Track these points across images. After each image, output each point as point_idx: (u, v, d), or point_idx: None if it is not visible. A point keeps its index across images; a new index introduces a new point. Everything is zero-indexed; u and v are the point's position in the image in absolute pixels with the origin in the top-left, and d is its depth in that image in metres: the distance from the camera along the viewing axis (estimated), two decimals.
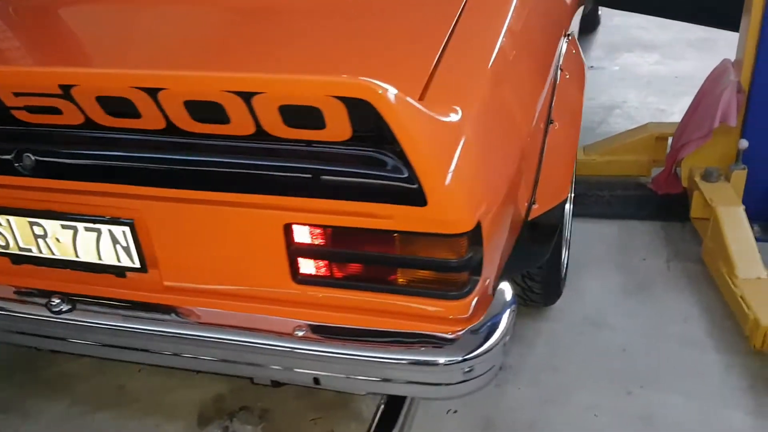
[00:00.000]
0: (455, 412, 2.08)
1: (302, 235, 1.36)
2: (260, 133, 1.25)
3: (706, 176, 2.59)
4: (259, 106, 1.21)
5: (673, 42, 4.59)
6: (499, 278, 1.72)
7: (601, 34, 4.90)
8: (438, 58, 1.47)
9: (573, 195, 2.62)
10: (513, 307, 1.45)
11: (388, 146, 1.20)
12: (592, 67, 4.41)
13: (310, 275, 1.41)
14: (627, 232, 2.82)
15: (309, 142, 1.25)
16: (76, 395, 2.20)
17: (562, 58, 2.04)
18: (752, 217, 2.62)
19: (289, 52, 1.56)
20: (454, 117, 1.30)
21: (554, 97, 1.91)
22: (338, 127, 1.20)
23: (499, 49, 1.60)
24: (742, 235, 2.35)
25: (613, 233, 2.82)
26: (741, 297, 2.20)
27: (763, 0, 2.35)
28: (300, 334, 1.41)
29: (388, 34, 1.59)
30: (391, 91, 1.14)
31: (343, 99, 1.15)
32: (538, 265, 2.02)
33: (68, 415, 2.14)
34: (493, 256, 1.42)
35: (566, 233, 2.51)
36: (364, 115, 1.16)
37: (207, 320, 1.48)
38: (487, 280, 1.43)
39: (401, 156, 1.19)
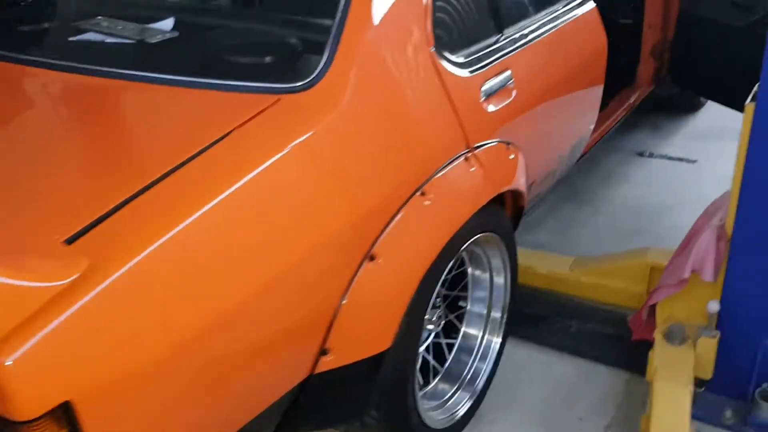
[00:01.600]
0: None
1: None
2: None
3: (669, 336, 2.06)
4: None
5: None
6: None
7: (698, 117, 4.22)
8: (137, 194, 1.25)
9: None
10: None
11: None
12: (665, 156, 3.81)
13: None
14: (581, 378, 2.32)
15: None
16: None
17: (432, 180, 1.68)
18: (726, 396, 2.06)
19: None
20: (49, 276, 1.06)
21: (387, 229, 1.57)
22: None
23: (252, 185, 1.34)
24: (674, 429, 1.82)
25: (564, 376, 2.34)
26: None
27: (750, 122, 1.80)
28: None
29: (98, 154, 1.41)
30: None
31: None
32: (340, 424, 1.68)
33: None
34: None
35: (481, 377, 2.12)
36: None
37: None
38: None
39: None
